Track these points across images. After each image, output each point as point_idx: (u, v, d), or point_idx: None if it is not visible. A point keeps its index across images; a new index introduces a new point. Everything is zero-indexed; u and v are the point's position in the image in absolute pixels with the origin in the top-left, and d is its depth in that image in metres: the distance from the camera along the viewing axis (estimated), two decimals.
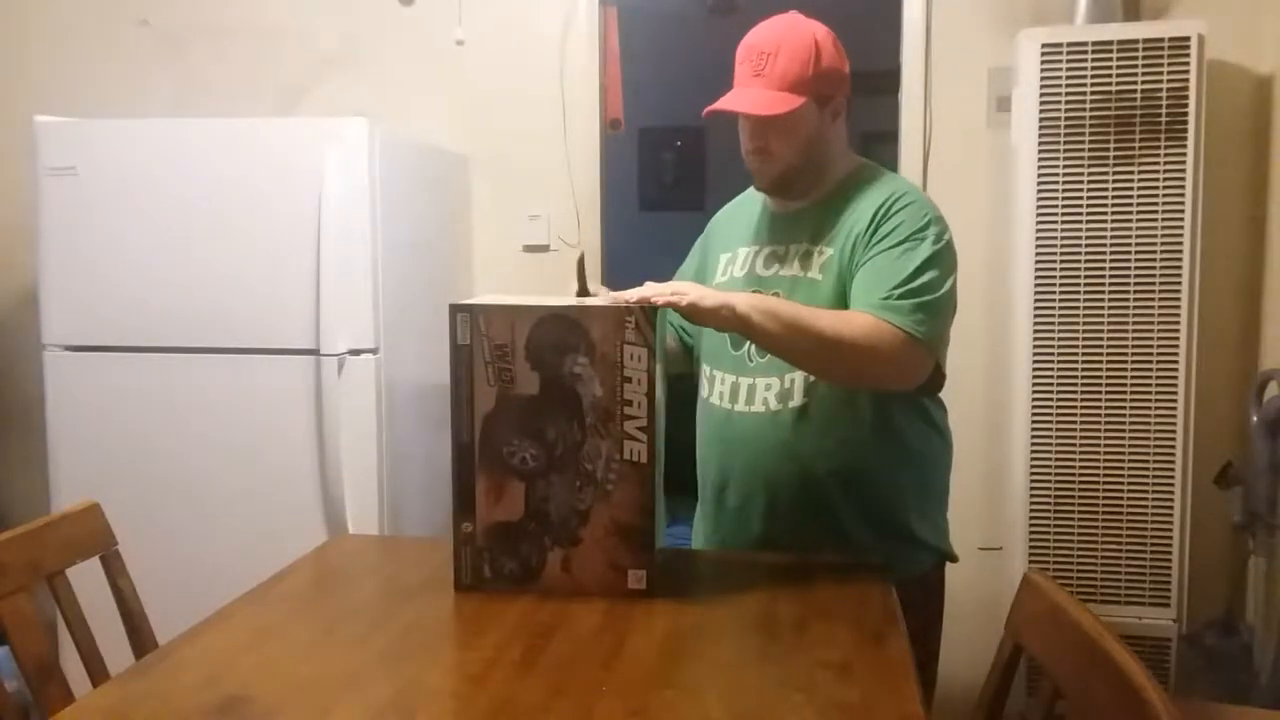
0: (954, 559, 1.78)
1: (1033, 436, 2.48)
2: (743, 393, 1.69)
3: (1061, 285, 2.44)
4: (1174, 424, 2.41)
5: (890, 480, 1.68)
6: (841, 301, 1.60)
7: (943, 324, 1.59)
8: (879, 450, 1.66)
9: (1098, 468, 2.45)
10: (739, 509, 1.73)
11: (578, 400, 1.45)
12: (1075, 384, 2.45)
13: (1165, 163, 2.38)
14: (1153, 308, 2.40)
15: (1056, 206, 2.43)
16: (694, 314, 1.48)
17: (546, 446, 1.47)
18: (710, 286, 1.64)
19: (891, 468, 1.68)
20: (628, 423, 1.44)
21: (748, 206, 1.83)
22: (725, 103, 1.62)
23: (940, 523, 1.77)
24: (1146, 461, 2.43)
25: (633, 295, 1.46)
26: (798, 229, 1.71)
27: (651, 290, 1.46)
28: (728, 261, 1.80)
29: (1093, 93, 2.40)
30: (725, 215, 1.90)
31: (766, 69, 1.61)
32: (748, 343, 1.66)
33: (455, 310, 1.47)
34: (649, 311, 1.44)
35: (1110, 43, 2.38)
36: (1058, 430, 2.47)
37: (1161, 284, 2.40)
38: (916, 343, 1.52)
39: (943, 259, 1.58)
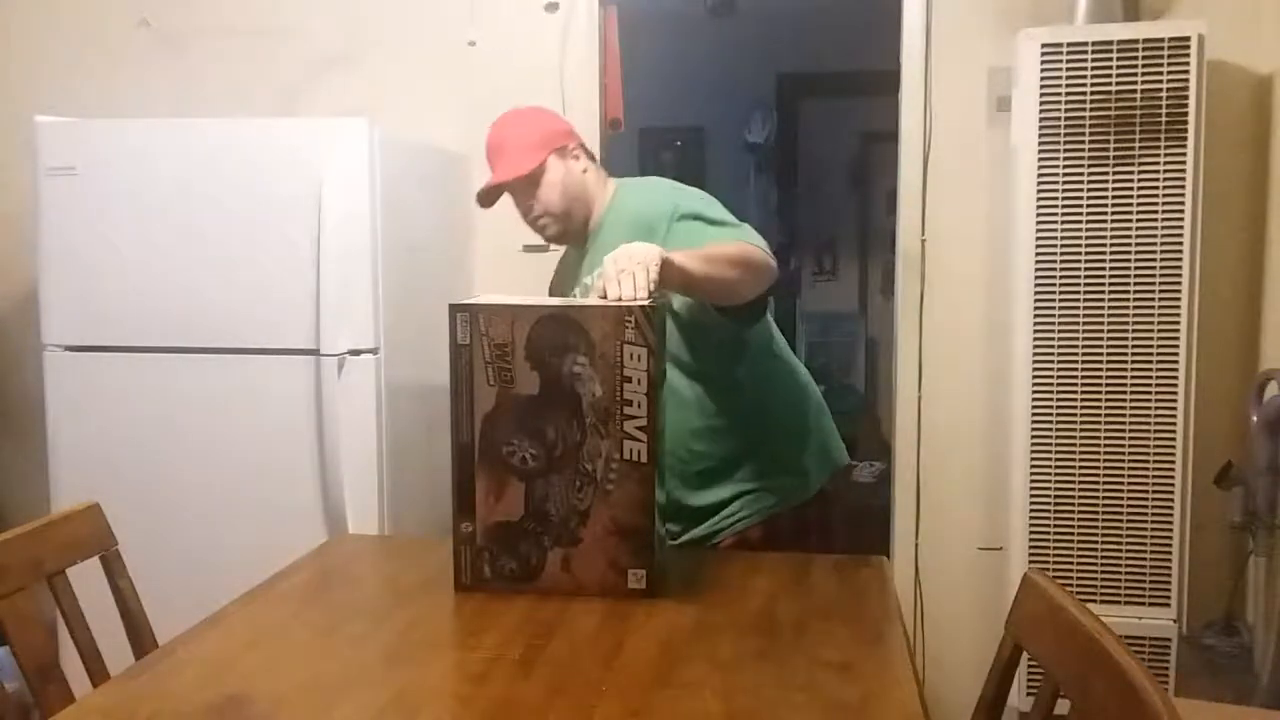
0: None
1: (1033, 436, 2.48)
2: None
3: (1061, 285, 2.44)
4: (1174, 424, 2.41)
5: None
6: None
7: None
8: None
9: (1098, 468, 2.45)
10: None
11: (577, 400, 1.45)
12: (1075, 384, 2.45)
13: (1165, 163, 2.38)
14: (1153, 308, 2.40)
15: (1056, 206, 2.43)
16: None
17: (546, 446, 1.47)
18: None
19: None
20: (628, 422, 1.44)
21: (567, 255, 2.06)
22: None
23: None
24: (1146, 461, 2.43)
25: (613, 294, 1.45)
26: (585, 268, 1.89)
27: (628, 289, 1.44)
28: None
29: (1093, 93, 2.40)
30: (560, 262, 2.11)
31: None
32: None
33: (455, 310, 1.47)
34: (649, 311, 1.44)
35: (1110, 43, 2.38)
36: (1058, 430, 2.47)
37: (1161, 284, 2.40)
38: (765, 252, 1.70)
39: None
